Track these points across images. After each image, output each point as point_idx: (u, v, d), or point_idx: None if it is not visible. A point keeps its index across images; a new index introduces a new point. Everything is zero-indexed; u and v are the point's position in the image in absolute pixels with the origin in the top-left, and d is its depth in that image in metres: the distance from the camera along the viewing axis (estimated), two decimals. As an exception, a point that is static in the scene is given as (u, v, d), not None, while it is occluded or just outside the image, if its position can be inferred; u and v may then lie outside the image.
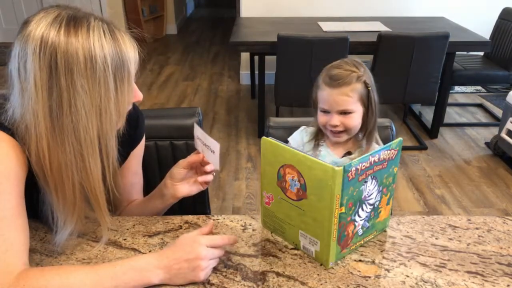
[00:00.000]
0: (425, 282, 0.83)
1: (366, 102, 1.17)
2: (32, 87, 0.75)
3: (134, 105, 0.99)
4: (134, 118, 1.04)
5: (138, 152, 1.11)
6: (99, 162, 0.84)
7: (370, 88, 1.16)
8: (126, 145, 1.02)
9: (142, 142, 1.13)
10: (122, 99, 0.83)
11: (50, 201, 0.85)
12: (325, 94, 1.17)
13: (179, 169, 1.01)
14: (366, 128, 1.19)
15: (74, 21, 0.77)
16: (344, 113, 1.16)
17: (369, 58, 2.89)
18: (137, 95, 0.90)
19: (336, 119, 1.16)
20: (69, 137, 0.78)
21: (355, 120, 1.17)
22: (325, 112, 1.19)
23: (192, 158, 1.00)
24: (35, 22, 0.76)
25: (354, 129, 1.18)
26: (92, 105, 0.78)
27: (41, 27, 0.75)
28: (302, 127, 1.30)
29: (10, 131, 0.79)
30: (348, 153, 1.22)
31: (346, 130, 1.18)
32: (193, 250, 0.81)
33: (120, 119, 0.87)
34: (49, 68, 0.74)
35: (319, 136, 1.26)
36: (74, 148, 0.79)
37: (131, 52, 0.83)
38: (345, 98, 1.14)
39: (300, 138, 1.29)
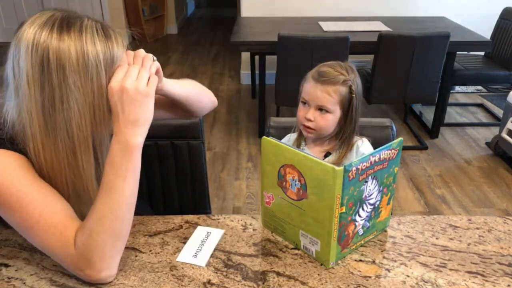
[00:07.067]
0: (426, 282, 0.83)
1: (347, 107, 1.18)
2: (25, 84, 0.76)
3: None
4: None
5: None
6: (93, 160, 0.84)
7: (354, 95, 1.17)
8: None
9: None
10: None
11: None
12: (308, 86, 1.20)
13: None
14: (343, 133, 1.21)
15: (67, 21, 0.78)
16: (321, 110, 1.18)
17: (370, 58, 2.89)
18: None
19: (311, 113, 1.19)
20: (61, 134, 0.79)
21: (329, 121, 1.19)
22: (304, 104, 1.21)
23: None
24: (29, 23, 0.77)
25: (325, 130, 1.20)
26: (85, 101, 0.79)
27: (34, 27, 0.76)
28: (288, 135, 1.33)
29: (13, 141, 0.81)
30: (328, 154, 1.24)
31: (316, 128, 1.19)
32: (119, 90, 0.79)
33: None
34: (41, 65, 0.75)
35: (301, 138, 1.29)
36: (66, 145, 0.80)
37: (121, 50, 0.83)
38: (326, 96, 1.17)
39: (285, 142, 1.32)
